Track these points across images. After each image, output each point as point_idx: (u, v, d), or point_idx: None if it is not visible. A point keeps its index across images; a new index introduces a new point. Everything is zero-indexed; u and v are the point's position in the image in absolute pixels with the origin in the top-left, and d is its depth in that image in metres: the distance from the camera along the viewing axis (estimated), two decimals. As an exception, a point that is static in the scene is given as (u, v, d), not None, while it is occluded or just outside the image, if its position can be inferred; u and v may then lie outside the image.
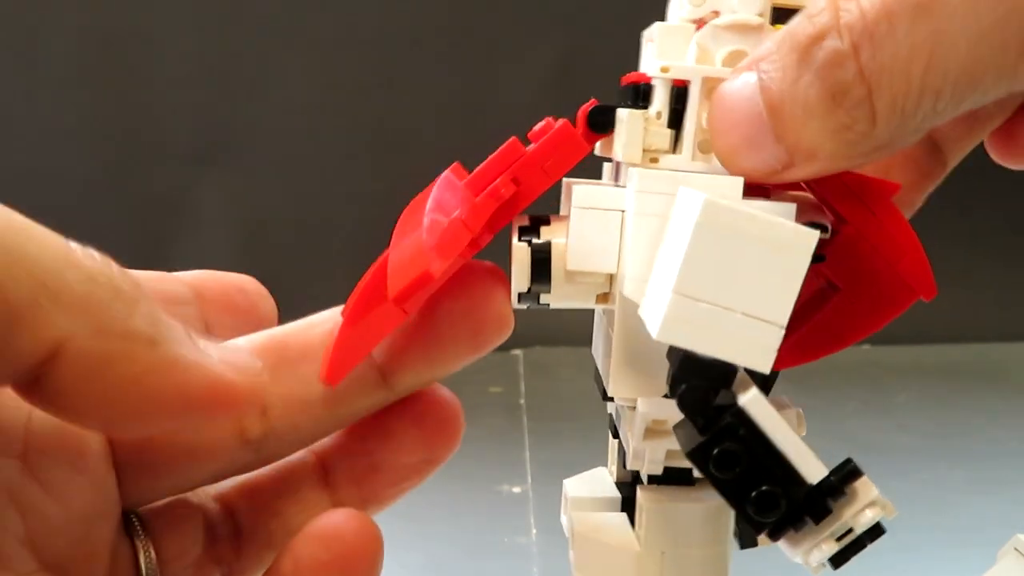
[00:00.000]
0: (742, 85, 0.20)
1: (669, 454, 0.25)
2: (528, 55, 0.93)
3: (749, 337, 0.19)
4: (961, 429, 0.72)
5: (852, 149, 0.19)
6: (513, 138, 0.23)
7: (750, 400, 0.20)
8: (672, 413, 0.22)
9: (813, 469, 0.21)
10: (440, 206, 0.22)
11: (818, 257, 0.21)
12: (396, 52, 0.98)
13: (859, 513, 0.22)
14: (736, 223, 0.19)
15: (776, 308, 0.19)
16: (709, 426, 0.20)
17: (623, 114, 0.23)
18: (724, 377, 0.20)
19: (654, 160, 0.22)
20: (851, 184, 0.22)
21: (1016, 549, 0.37)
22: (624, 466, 0.27)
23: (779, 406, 0.24)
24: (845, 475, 0.22)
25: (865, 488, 0.23)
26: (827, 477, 0.22)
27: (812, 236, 0.19)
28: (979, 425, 0.74)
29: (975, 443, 0.69)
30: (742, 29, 0.21)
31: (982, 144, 0.28)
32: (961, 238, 1.10)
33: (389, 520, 0.58)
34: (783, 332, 0.19)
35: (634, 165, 0.22)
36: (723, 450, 0.20)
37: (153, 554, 0.22)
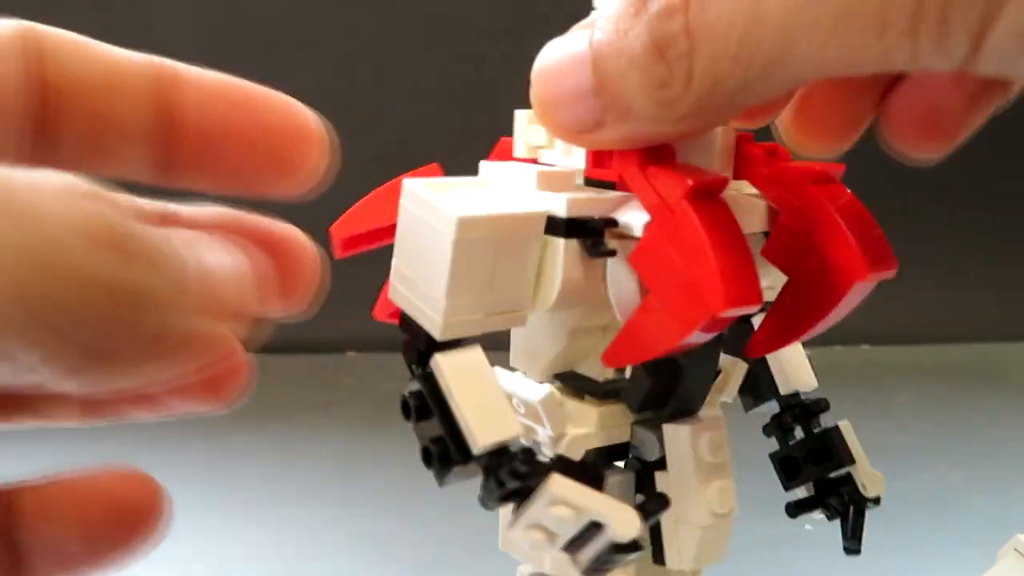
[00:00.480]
0: (573, 38, 0.20)
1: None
2: (529, 54, 0.93)
3: (425, 307, 0.21)
4: (961, 429, 0.72)
5: (665, 112, 0.19)
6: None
7: (437, 362, 0.21)
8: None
9: (481, 439, 0.21)
10: None
11: (608, 252, 0.21)
12: (396, 52, 0.98)
13: (545, 510, 0.21)
14: (420, 209, 0.21)
15: (436, 285, 0.21)
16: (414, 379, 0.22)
17: (516, 114, 0.24)
18: (425, 339, 0.21)
19: (534, 154, 0.24)
20: (774, 173, 0.22)
21: (1016, 549, 0.37)
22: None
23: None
24: (533, 468, 0.21)
25: (560, 487, 0.21)
26: (509, 459, 0.21)
27: (450, 222, 0.20)
28: (979, 425, 0.74)
29: (975, 443, 0.69)
30: None
31: (981, 144, 0.27)
32: (961, 238, 1.10)
33: (389, 520, 0.59)
34: (444, 305, 0.21)
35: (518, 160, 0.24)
36: (403, 399, 0.22)
37: None
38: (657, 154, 0.21)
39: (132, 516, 0.20)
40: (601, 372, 0.24)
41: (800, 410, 0.28)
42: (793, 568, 0.48)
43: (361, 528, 0.53)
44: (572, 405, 0.25)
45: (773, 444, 0.31)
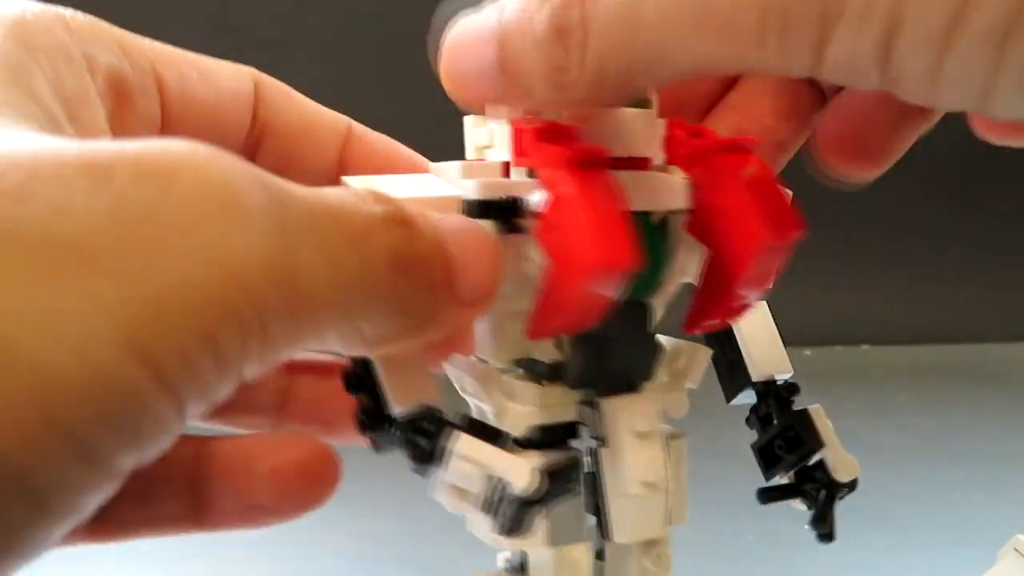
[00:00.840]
0: (483, 15, 0.21)
1: None
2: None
3: None
4: (961, 429, 0.72)
5: (560, 93, 0.20)
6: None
7: None
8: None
9: (398, 404, 0.23)
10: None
11: (516, 229, 0.22)
12: (396, 52, 0.98)
13: (453, 469, 0.22)
14: None
15: None
16: None
17: (465, 119, 0.25)
18: None
19: (481, 155, 0.25)
20: (692, 150, 0.23)
21: (1016, 549, 0.37)
22: None
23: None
24: (439, 427, 0.22)
25: (464, 444, 0.22)
26: (419, 421, 0.23)
27: None
28: (979, 425, 0.74)
29: (975, 443, 0.69)
30: None
31: (980, 144, 0.27)
32: (961, 238, 1.10)
33: (388, 519, 0.59)
34: None
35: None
36: (343, 372, 0.23)
37: None
38: (555, 135, 0.22)
39: (316, 475, 0.23)
40: (550, 355, 0.25)
41: (774, 397, 0.27)
42: (793, 568, 0.48)
43: (361, 528, 0.53)
44: (518, 385, 0.25)
45: None
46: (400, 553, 0.50)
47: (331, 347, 0.19)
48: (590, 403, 0.25)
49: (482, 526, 0.24)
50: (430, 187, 0.23)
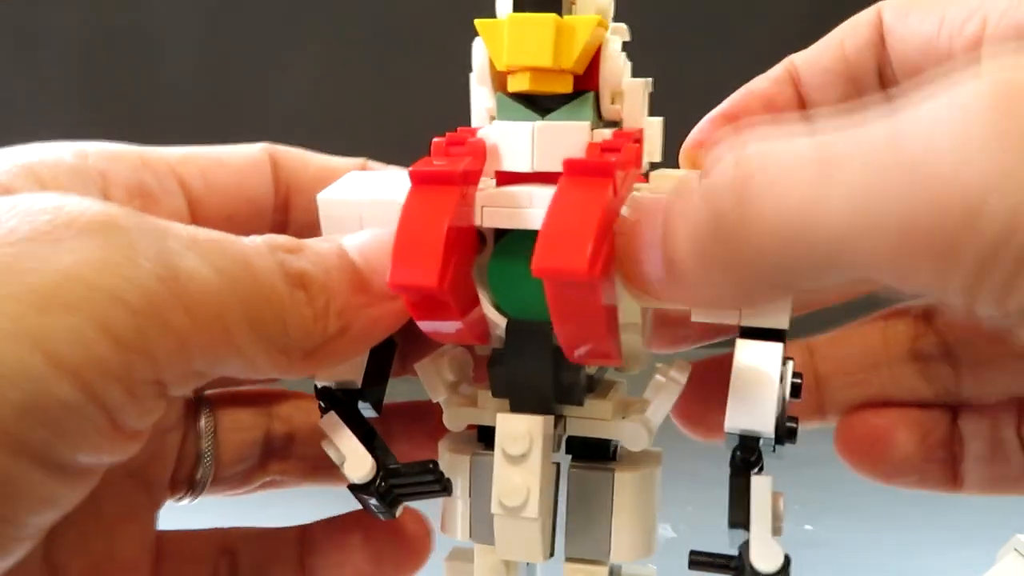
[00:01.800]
0: (653, 200, 0.21)
1: None
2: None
3: None
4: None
5: (708, 279, 0.20)
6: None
7: None
8: None
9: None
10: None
11: None
12: (396, 52, 0.98)
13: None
14: None
15: None
16: None
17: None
18: None
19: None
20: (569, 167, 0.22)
21: (1016, 549, 0.37)
22: None
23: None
24: (328, 401, 0.26)
25: (326, 422, 0.26)
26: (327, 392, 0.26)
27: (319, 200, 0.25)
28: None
29: (975, 443, 0.69)
30: None
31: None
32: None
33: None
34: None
35: None
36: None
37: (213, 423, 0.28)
38: (457, 147, 0.24)
39: (409, 543, 0.27)
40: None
41: (740, 452, 0.24)
42: (793, 568, 0.48)
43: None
44: (478, 390, 0.26)
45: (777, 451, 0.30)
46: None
47: (239, 363, 0.21)
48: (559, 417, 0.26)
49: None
50: (386, 190, 0.24)
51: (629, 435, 0.26)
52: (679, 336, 0.28)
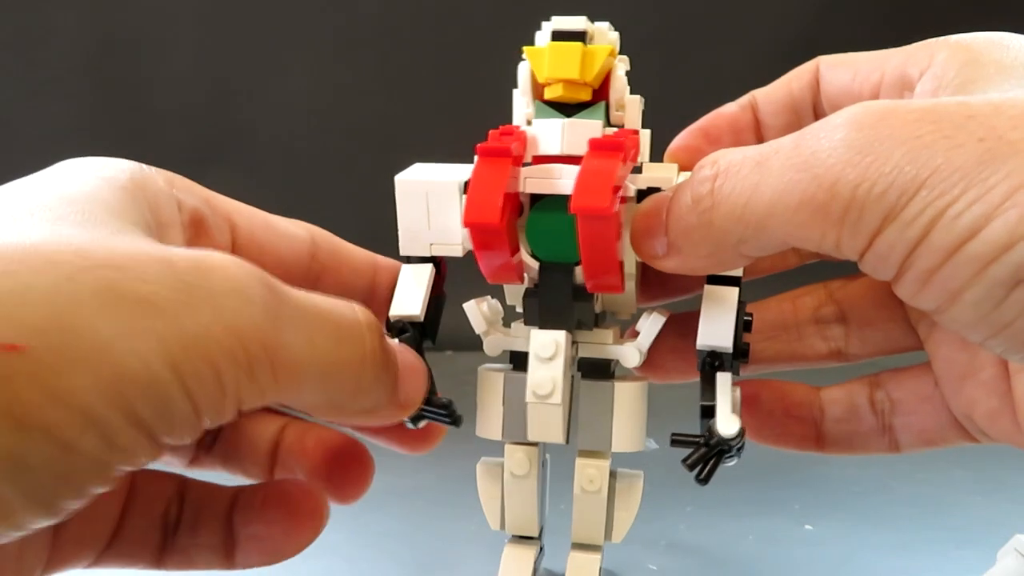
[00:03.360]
0: (661, 194, 0.30)
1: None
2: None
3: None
4: (961, 429, 0.72)
5: (695, 248, 0.28)
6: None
7: (403, 268, 0.35)
8: None
9: (392, 311, 0.34)
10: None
11: None
12: (396, 52, 0.98)
13: None
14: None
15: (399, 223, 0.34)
16: None
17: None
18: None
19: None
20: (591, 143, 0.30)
21: (1016, 549, 0.37)
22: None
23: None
24: (392, 331, 0.33)
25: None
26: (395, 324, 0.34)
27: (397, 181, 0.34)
28: (979, 425, 0.74)
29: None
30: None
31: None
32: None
33: (389, 520, 0.58)
34: (400, 233, 0.34)
35: None
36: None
37: None
38: (506, 135, 0.32)
39: (311, 515, 0.34)
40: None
41: (707, 361, 0.32)
42: (794, 569, 0.48)
43: (361, 527, 0.53)
44: (514, 324, 0.36)
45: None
46: (400, 553, 0.50)
47: (301, 407, 0.27)
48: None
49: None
50: (451, 173, 0.34)
51: (626, 354, 0.35)
52: (663, 292, 0.36)
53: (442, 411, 0.32)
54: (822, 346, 0.36)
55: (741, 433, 0.30)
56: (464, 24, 0.97)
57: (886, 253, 0.24)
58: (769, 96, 0.35)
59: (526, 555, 0.38)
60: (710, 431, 0.30)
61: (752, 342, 0.34)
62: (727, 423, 0.30)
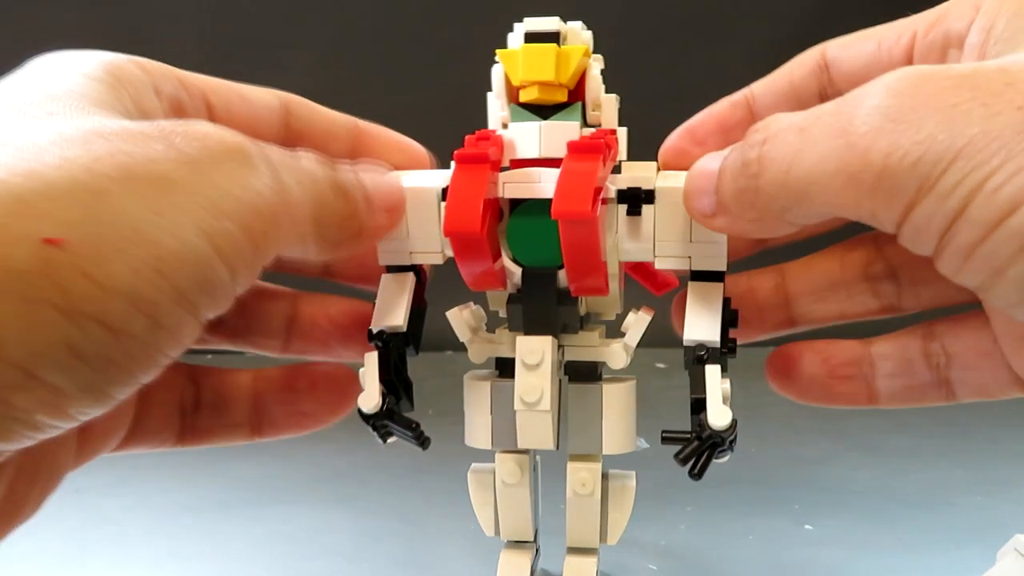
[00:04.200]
0: (715, 154, 0.29)
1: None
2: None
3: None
4: (961, 429, 0.72)
5: (743, 212, 0.28)
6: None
7: (383, 277, 0.35)
8: None
9: (374, 324, 0.34)
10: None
11: None
12: (396, 51, 0.98)
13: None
14: None
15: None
16: None
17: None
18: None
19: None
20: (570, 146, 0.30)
21: (1016, 549, 0.37)
22: None
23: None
24: (375, 339, 0.34)
25: (367, 358, 0.33)
26: (377, 336, 0.34)
27: None
28: (979, 425, 0.74)
29: (975, 443, 0.69)
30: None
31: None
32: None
33: (389, 518, 0.58)
34: (379, 244, 0.34)
35: None
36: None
37: None
38: (483, 140, 0.32)
39: (344, 389, 0.34)
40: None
41: (692, 355, 0.32)
42: (794, 569, 0.48)
43: (361, 527, 0.54)
44: (498, 331, 0.35)
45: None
46: (400, 553, 0.50)
47: (302, 251, 0.28)
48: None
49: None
50: (430, 179, 0.33)
51: (613, 354, 0.35)
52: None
53: (408, 431, 0.32)
54: (873, 303, 0.34)
55: (733, 424, 0.30)
56: (464, 23, 0.97)
57: (924, 226, 0.23)
58: (769, 88, 0.34)
59: (522, 560, 0.38)
60: (701, 424, 0.30)
61: (799, 304, 0.34)
62: (719, 415, 0.30)
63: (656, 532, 0.51)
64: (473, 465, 0.38)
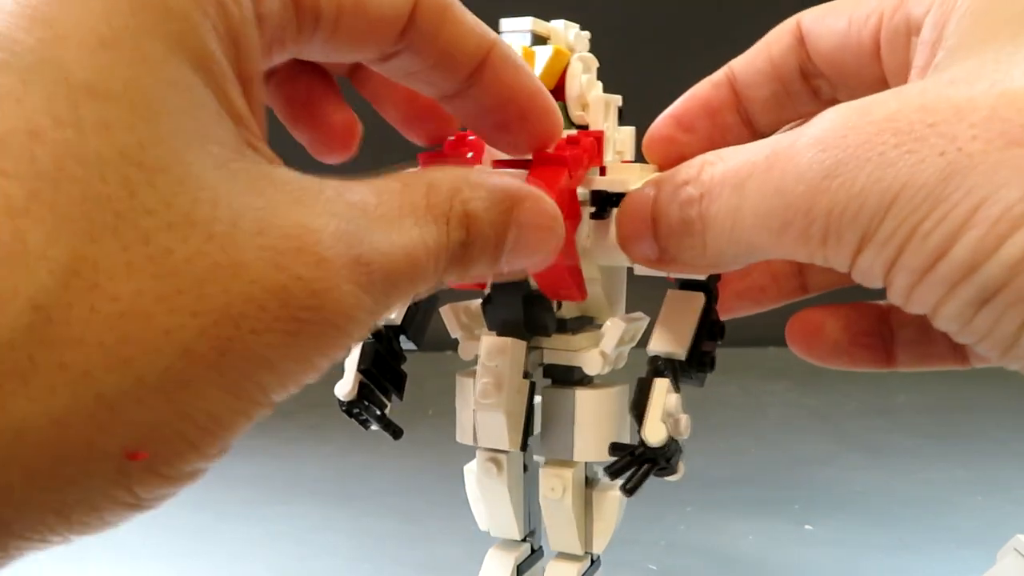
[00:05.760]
0: (642, 195, 0.29)
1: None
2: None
3: None
4: (961, 429, 0.72)
5: (694, 261, 0.28)
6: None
7: None
8: None
9: None
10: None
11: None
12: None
13: None
14: None
15: None
16: None
17: None
18: None
19: None
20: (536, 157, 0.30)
21: (1016, 549, 0.37)
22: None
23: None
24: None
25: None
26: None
27: None
28: (979, 425, 0.74)
29: (975, 443, 0.69)
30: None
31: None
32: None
33: (389, 520, 0.58)
34: None
35: None
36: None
37: None
38: (462, 145, 0.32)
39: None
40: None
41: (651, 367, 0.31)
42: (794, 568, 0.48)
43: (361, 527, 0.54)
44: (482, 328, 0.35)
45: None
46: (400, 553, 0.50)
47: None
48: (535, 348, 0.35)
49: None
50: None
51: (588, 360, 0.34)
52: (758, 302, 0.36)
53: (377, 420, 0.33)
54: None
55: (670, 443, 0.29)
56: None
57: (868, 271, 0.25)
58: (748, 67, 0.33)
59: (507, 558, 0.38)
60: (641, 440, 0.30)
61: (815, 271, 0.34)
62: (653, 431, 0.29)
63: (656, 532, 0.51)
64: (469, 462, 0.38)
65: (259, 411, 0.19)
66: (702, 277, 0.32)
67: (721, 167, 0.27)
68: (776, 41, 0.32)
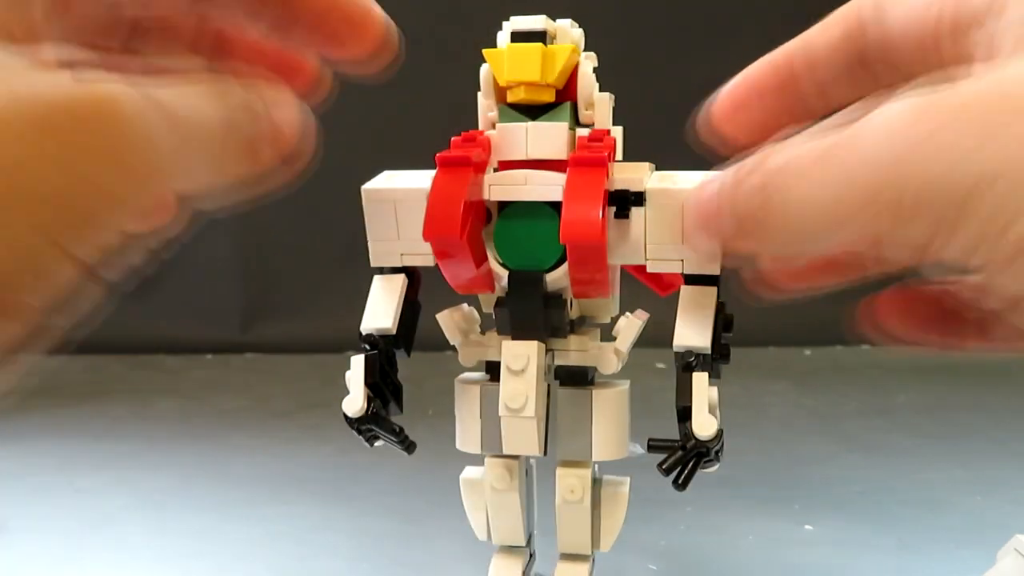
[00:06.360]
0: (710, 188, 0.28)
1: None
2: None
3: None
4: (961, 429, 0.72)
5: (769, 250, 0.27)
6: None
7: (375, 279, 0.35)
8: None
9: (363, 325, 0.34)
10: None
11: None
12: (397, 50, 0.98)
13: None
14: None
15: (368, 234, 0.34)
16: None
17: None
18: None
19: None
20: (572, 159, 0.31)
21: (1016, 549, 0.37)
22: None
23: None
24: (364, 341, 0.34)
25: (353, 362, 0.33)
26: (365, 339, 0.34)
27: (363, 192, 0.34)
28: (979, 425, 0.74)
29: (975, 443, 0.69)
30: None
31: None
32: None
33: (389, 519, 0.58)
34: (370, 245, 0.34)
35: None
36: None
37: None
38: (469, 142, 0.32)
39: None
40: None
41: (681, 362, 0.31)
42: (794, 568, 0.48)
43: (361, 527, 0.54)
44: (487, 333, 0.35)
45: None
46: (400, 553, 0.50)
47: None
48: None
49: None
50: (415, 180, 0.33)
51: (604, 359, 0.34)
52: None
53: (392, 436, 0.32)
54: None
55: (719, 435, 0.29)
56: (464, 23, 0.97)
57: (946, 258, 0.24)
58: (807, 47, 0.31)
59: (514, 565, 0.38)
60: (687, 434, 0.30)
61: None
62: (704, 425, 0.29)
63: (656, 532, 0.51)
64: (465, 470, 0.38)
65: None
66: (714, 272, 0.31)
67: (785, 155, 0.26)
68: (838, 22, 0.31)
